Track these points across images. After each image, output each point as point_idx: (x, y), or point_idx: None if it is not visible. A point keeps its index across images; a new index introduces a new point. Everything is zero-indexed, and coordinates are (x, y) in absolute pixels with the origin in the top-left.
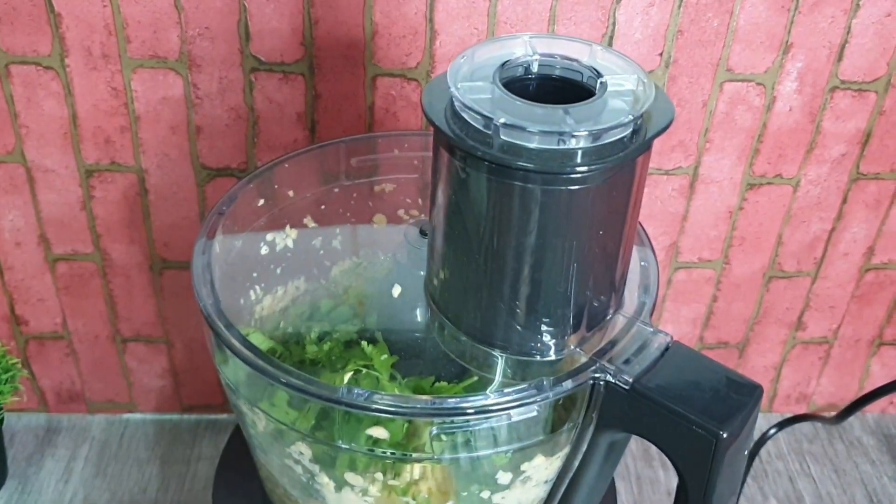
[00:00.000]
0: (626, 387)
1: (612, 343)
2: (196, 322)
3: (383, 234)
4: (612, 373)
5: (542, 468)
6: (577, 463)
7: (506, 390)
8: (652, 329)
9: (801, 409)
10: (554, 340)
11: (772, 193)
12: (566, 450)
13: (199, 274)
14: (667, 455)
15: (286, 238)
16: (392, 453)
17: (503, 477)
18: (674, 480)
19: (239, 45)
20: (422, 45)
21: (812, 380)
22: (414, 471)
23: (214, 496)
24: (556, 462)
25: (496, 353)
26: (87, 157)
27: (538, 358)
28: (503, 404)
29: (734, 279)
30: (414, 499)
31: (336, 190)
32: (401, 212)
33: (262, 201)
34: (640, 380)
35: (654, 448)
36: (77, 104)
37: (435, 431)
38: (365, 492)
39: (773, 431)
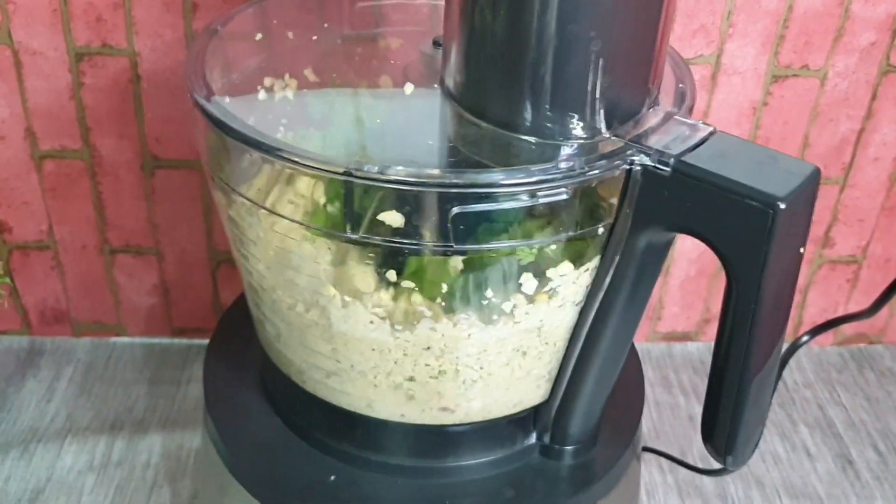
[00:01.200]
0: (667, 168)
1: (649, 131)
2: (189, 230)
3: (388, 93)
4: (650, 154)
5: (570, 281)
6: (608, 280)
7: (533, 167)
8: (692, 121)
9: (828, 341)
10: (584, 123)
11: (798, 87)
12: (595, 261)
13: (191, 63)
14: (715, 248)
15: (285, 87)
16: (408, 242)
17: (528, 282)
18: (695, 407)
19: None
20: None
21: (839, 305)
22: (431, 267)
23: (206, 367)
24: (584, 277)
25: (521, 139)
26: (77, 37)
27: (567, 143)
28: (531, 182)
29: None
30: (430, 309)
31: (339, 41)
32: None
33: (259, 35)
34: (683, 158)
35: (672, 374)
36: None
37: (456, 211)
38: (376, 303)
39: (805, 338)
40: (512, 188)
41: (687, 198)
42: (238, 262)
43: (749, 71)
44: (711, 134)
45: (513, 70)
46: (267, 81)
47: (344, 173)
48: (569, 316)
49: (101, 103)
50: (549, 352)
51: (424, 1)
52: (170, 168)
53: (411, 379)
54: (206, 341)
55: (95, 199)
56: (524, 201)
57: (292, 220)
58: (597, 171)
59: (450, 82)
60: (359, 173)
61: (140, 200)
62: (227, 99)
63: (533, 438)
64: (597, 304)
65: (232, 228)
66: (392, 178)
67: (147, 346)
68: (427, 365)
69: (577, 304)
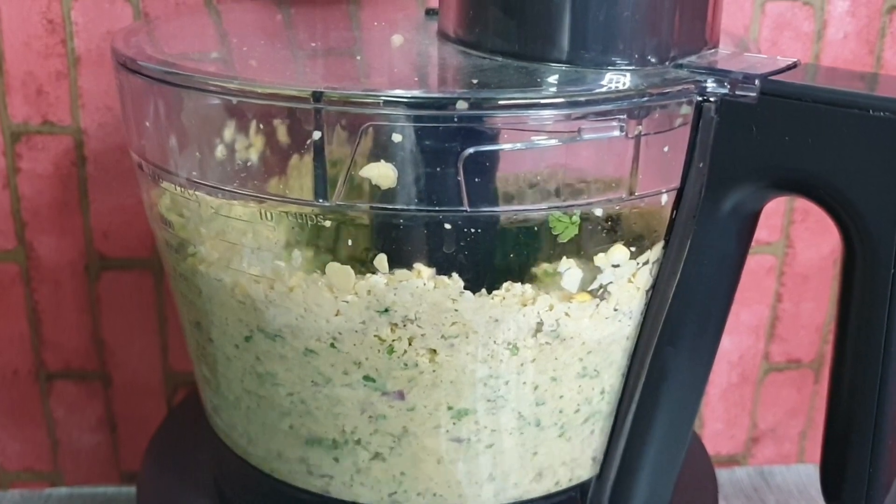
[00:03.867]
0: (753, 92)
1: (719, 61)
2: (141, 348)
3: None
4: (728, 79)
5: (625, 277)
6: (677, 277)
7: (575, 87)
8: (766, 56)
9: None
10: (634, 48)
11: None
12: (657, 250)
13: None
14: (830, 199)
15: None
16: (400, 209)
17: (569, 273)
18: None
19: None
20: None
21: None
22: (432, 238)
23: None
24: (643, 272)
25: (554, 67)
26: (13, 114)
27: (615, 70)
28: (572, 107)
29: (800, 269)
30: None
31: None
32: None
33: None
34: (771, 79)
35: None
36: (4, 42)
37: (469, 153)
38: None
39: None
40: (548, 109)
41: (784, 130)
42: (177, 300)
43: None
44: (796, 63)
45: None
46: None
47: (313, 97)
48: (626, 326)
49: (41, 192)
50: (595, 389)
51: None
52: (119, 269)
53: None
54: None
55: (30, 312)
56: (563, 137)
57: (234, 192)
58: (658, 95)
59: (452, 27)
60: (332, 96)
61: (83, 312)
62: None
63: None
64: (662, 316)
65: (164, 236)
66: (383, 98)
67: (90, 498)
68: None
69: (630, 317)
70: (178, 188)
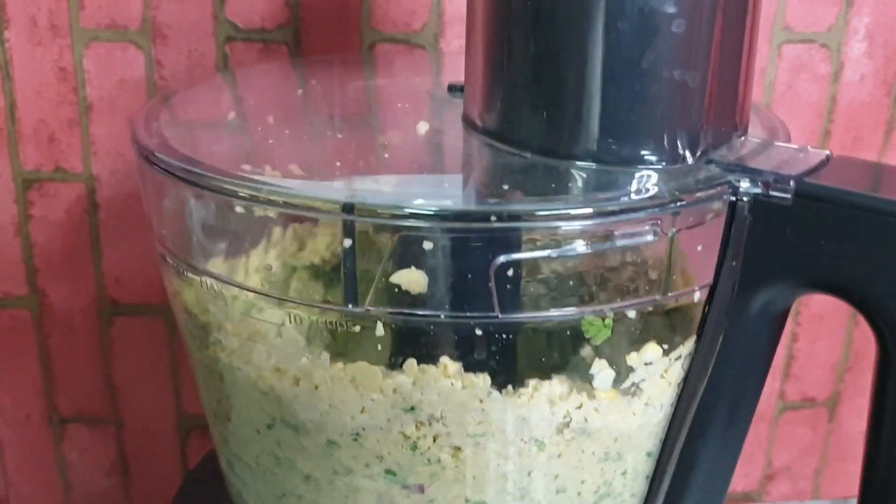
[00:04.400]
0: (787, 193)
1: (749, 155)
2: (153, 391)
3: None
4: (760, 178)
5: (657, 373)
6: (709, 371)
7: (605, 195)
8: (797, 146)
9: None
10: (663, 145)
11: None
12: (689, 345)
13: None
14: (866, 304)
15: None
16: (431, 315)
17: (601, 373)
18: None
19: (212, 9)
20: (428, 2)
21: None
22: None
23: None
24: (675, 367)
25: (581, 167)
26: (25, 161)
27: (643, 169)
28: (604, 217)
29: (815, 308)
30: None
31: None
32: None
33: (232, 114)
34: (807, 180)
35: None
36: (16, 90)
37: (500, 262)
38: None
39: None
40: (576, 221)
41: (819, 233)
42: (196, 378)
43: None
44: (829, 158)
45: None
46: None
47: (343, 209)
48: (655, 418)
49: (53, 239)
50: (617, 471)
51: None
52: (131, 315)
53: None
54: None
55: (42, 357)
56: (595, 244)
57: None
58: (692, 201)
59: (477, 114)
60: (364, 207)
61: (95, 357)
62: None
63: None
64: (693, 408)
65: (189, 327)
66: (412, 211)
67: None
68: None
69: (660, 408)
70: (204, 285)
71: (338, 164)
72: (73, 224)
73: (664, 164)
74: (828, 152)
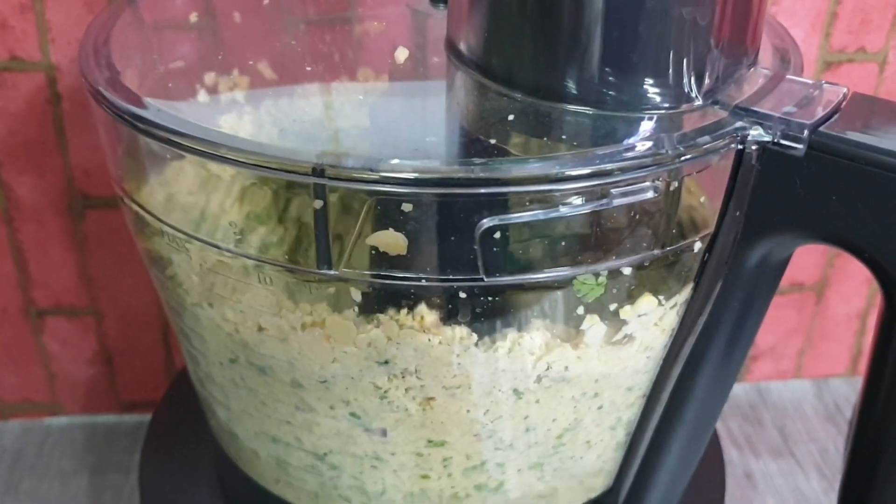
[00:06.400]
0: (800, 144)
1: (759, 94)
2: (132, 283)
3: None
4: (772, 125)
5: (651, 322)
6: (703, 317)
7: (600, 151)
8: (811, 82)
9: None
10: (666, 84)
11: (853, 74)
12: (686, 293)
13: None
14: (877, 262)
15: (234, 89)
16: (412, 277)
17: (593, 329)
18: (751, 463)
19: None
20: None
21: None
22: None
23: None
24: (670, 315)
25: (575, 112)
26: None
27: (643, 114)
28: (599, 173)
29: None
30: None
31: (301, 27)
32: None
33: (195, 15)
34: (822, 130)
35: (718, 424)
36: None
37: (485, 226)
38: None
39: None
40: (570, 182)
41: (831, 189)
42: (172, 323)
43: None
44: (846, 97)
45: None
46: (208, 78)
47: (313, 172)
48: (649, 362)
49: (14, 132)
50: (612, 419)
51: None
52: (104, 208)
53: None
54: None
55: (14, 251)
56: (589, 204)
57: (228, 251)
58: (696, 154)
59: (463, 42)
60: (334, 171)
61: (69, 251)
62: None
63: None
64: (686, 352)
65: (154, 271)
66: (386, 174)
67: (89, 427)
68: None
69: (649, 356)
70: (166, 236)
71: (308, 68)
72: (36, 115)
73: (667, 106)
74: (845, 90)
